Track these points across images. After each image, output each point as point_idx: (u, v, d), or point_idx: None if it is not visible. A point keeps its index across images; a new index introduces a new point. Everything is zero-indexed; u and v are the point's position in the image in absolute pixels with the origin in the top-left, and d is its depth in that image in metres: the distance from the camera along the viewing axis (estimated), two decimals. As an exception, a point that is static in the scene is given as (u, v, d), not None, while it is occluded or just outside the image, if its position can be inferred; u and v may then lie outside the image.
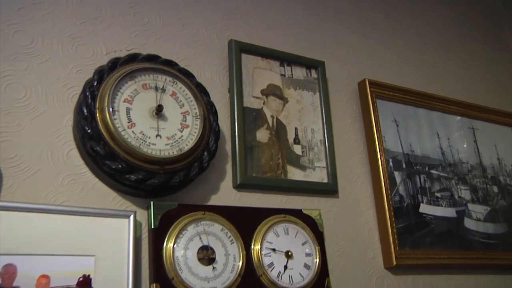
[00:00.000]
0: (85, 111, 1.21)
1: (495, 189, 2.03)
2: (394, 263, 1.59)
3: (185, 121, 1.34)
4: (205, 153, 1.34)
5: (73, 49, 1.37)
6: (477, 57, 2.43)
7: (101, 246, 1.16)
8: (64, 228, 1.13)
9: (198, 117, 1.35)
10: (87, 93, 1.23)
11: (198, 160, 1.32)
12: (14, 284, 1.04)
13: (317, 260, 1.42)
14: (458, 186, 1.92)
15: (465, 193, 1.93)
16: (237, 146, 1.48)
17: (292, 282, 1.36)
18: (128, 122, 1.24)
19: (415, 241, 1.68)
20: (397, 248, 1.62)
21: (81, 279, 1.11)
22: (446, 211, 1.83)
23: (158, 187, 1.24)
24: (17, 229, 1.08)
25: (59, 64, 1.33)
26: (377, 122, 1.79)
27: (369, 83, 1.84)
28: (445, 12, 2.46)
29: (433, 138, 1.95)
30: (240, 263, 1.30)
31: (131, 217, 1.22)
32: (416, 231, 1.71)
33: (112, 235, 1.19)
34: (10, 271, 1.05)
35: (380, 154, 1.74)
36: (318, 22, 1.94)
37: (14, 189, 1.16)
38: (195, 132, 1.33)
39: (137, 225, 1.24)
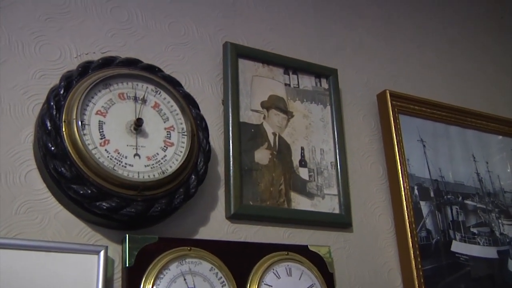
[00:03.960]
0: (48, 124, 1.20)
1: (546, 224, 2.02)
2: (421, 313, 1.58)
3: (170, 138, 1.33)
4: (193, 176, 1.33)
5: (36, 49, 1.37)
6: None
7: (64, 288, 1.15)
8: (19, 267, 1.11)
9: (185, 133, 1.35)
10: (52, 103, 1.22)
11: (184, 185, 1.31)
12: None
13: (327, 308, 1.41)
14: (500, 221, 1.91)
15: (509, 229, 1.91)
16: (231, 168, 1.47)
17: (296, 335, 1.34)
18: (101, 139, 1.24)
19: (447, 287, 1.67)
20: (424, 294, 1.60)
21: (38, 328, 1.09)
22: (485, 251, 1.81)
23: (135, 217, 1.23)
24: (-39, 267, 1.07)
25: (18, 68, 1.33)
26: (399, 141, 1.79)
27: (390, 95, 1.85)
28: (484, 10, 2.47)
29: (468, 161, 1.95)
30: (233, 311, 1.28)
31: (102, 253, 1.20)
32: (447, 274, 1.69)
33: (77, 275, 1.17)
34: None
35: (403, 180, 1.73)
36: (329, 22, 1.95)
37: (-40, 217, 1.15)
38: (181, 152, 1.32)
39: (108, 263, 1.22)
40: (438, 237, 1.74)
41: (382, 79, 1.96)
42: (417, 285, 1.60)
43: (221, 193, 1.48)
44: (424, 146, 1.87)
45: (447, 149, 1.92)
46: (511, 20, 2.56)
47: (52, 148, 1.18)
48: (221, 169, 1.50)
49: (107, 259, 1.21)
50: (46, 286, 1.13)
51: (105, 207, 1.20)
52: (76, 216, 1.26)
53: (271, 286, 1.36)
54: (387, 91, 1.85)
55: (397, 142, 1.78)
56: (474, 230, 1.83)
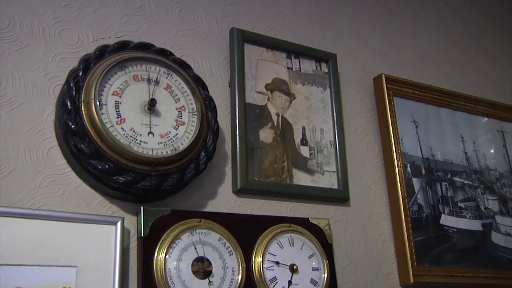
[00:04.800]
0: (68, 104, 1.20)
1: (527, 200, 2.03)
2: (412, 280, 1.58)
3: (181, 117, 1.33)
4: (202, 153, 1.33)
5: (56, 34, 1.36)
6: (508, 52, 2.42)
7: (84, 256, 1.15)
8: (42, 236, 1.12)
9: (195, 113, 1.35)
10: (71, 84, 1.22)
11: (194, 162, 1.31)
12: (-15, 297, 1.03)
13: (325, 275, 1.42)
14: (485, 196, 1.92)
15: (493, 204, 1.92)
16: (237, 146, 1.47)
17: (298, 300, 1.35)
18: (117, 118, 1.24)
19: (436, 256, 1.68)
20: (415, 264, 1.61)
21: (60, 293, 1.10)
22: (470, 224, 1.82)
23: (149, 191, 1.24)
24: (-11, 236, 1.08)
25: (39, 51, 1.32)
26: (394, 122, 1.79)
27: (385, 79, 1.84)
28: (473, 2, 2.45)
29: (456, 141, 1.95)
30: (240, 277, 1.29)
31: (118, 224, 1.21)
32: (436, 245, 1.70)
33: (96, 244, 1.18)
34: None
35: (397, 158, 1.73)
36: (330, 10, 1.93)
37: (-14, 190, 1.15)
38: (192, 130, 1.32)
39: (124, 233, 1.23)
40: (429, 211, 1.74)
41: (378, 64, 1.95)
42: (408, 255, 1.61)
43: (228, 169, 1.48)
44: (416, 126, 1.86)
45: (437, 130, 1.92)
46: (498, 11, 2.53)
47: (72, 126, 1.18)
48: (228, 147, 1.50)
49: (123, 229, 1.22)
50: (68, 253, 1.14)
51: (121, 181, 1.20)
52: (94, 189, 1.26)
53: (275, 255, 1.37)
54: (383, 75, 1.84)
55: (391, 123, 1.78)
56: (462, 205, 1.84)
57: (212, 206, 1.41)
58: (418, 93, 1.91)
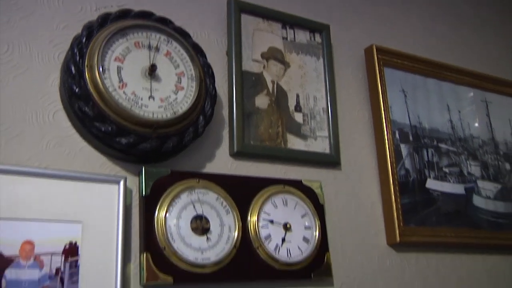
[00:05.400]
0: (73, 69, 1.20)
1: (508, 166, 2.05)
2: (398, 240, 1.61)
3: (180, 82, 1.33)
4: (201, 117, 1.34)
5: (60, 3, 1.35)
6: (493, 26, 2.42)
7: (89, 213, 1.17)
8: (50, 193, 1.14)
9: (194, 79, 1.35)
10: (75, 50, 1.22)
11: (193, 125, 1.32)
12: (-3, 249, 1.05)
13: (317, 233, 1.44)
14: (468, 162, 1.94)
15: (475, 169, 1.94)
16: (234, 112, 1.48)
17: (290, 255, 1.37)
18: (119, 82, 1.24)
19: (421, 218, 1.70)
20: (401, 224, 1.63)
21: (67, 246, 1.12)
22: (454, 187, 1.84)
23: (150, 152, 1.24)
24: (-1, 192, 1.09)
25: (44, 19, 1.32)
26: (384, 91, 1.79)
27: (376, 49, 1.84)
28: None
29: (442, 110, 1.96)
30: (236, 234, 1.31)
31: (121, 183, 1.22)
32: (422, 207, 1.72)
33: (100, 202, 1.19)
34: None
35: (386, 125, 1.74)
36: (323, -17, 1.92)
37: (-4, 151, 1.16)
38: (191, 95, 1.33)
39: (127, 192, 1.24)
40: (415, 175, 1.76)
41: (369, 35, 1.94)
42: (395, 215, 1.63)
43: (225, 133, 1.48)
44: (405, 96, 1.87)
45: (425, 99, 1.92)
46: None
47: (77, 90, 1.19)
48: (225, 112, 1.50)
49: (126, 189, 1.23)
50: (74, 210, 1.16)
51: (123, 143, 1.21)
52: (98, 151, 1.27)
53: (269, 214, 1.39)
54: (374, 45, 1.83)
55: (381, 92, 1.78)
56: (446, 170, 1.86)
57: (210, 168, 1.42)
58: (407, 64, 1.91)
